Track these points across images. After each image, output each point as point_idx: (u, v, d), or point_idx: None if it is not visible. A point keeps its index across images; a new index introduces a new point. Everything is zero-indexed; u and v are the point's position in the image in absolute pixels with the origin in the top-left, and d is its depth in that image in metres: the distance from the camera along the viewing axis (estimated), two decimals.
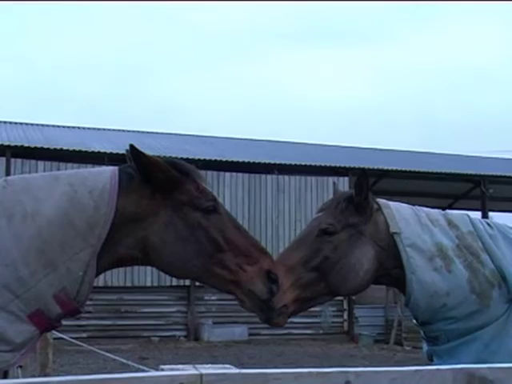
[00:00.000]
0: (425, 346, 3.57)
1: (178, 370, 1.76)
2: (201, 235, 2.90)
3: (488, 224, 3.56)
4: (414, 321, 3.54)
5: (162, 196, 2.90)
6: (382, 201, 3.55)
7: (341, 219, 3.44)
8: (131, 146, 2.89)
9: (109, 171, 2.92)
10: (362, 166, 23.08)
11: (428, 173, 24.93)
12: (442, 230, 3.43)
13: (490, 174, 25.69)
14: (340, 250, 3.39)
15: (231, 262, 2.92)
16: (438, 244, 3.36)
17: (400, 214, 3.44)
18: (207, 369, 1.74)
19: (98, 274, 2.79)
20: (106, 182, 2.83)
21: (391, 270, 3.44)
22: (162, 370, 1.79)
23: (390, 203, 3.55)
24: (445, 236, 3.41)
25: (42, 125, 26.15)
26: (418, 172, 24.67)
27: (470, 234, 3.44)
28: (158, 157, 3.01)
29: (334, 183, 4.33)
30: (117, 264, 2.95)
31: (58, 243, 2.68)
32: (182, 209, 2.91)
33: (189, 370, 1.73)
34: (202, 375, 1.68)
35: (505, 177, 25.82)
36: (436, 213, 3.57)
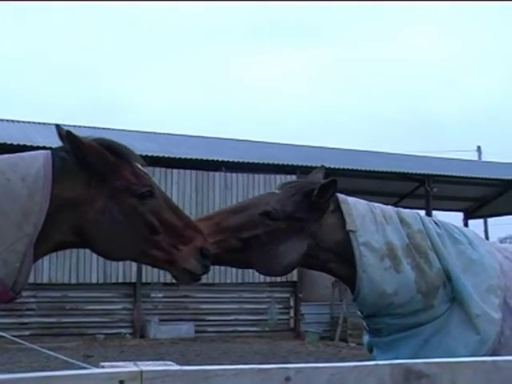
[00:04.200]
0: (366, 338, 3.64)
1: (118, 367, 1.75)
2: (136, 220, 2.90)
3: (435, 223, 3.63)
4: (359, 312, 3.59)
5: (97, 181, 2.86)
6: (341, 196, 3.54)
7: (288, 210, 3.43)
8: (67, 131, 2.83)
9: (41, 156, 2.82)
10: (309, 165, 23.28)
11: (374, 172, 25.24)
12: (395, 227, 3.48)
13: (434, 173, 26.17)
14: (273, 236, 3.40)
15: (166, 243, 2.95)
16: (389, 243, 3.41)
17: (357, 211, 3.46)
18: (148, 366, 1.74)
19: (34, 261, 2.74)
20: (39, 168, 2.75)
21: (329, 263, 3.50)
22: (103, 367, 1.78)
23: (349, 199, 3.56)
24: (396, 234, 3.45)
25: None
26: (365, 171, 24.96)
27: (420, 232, 3.50)
28: (94, 140, 2.94)
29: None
30: (53, 250, 2.92)
31: None
32: (117, 195, 2.89)
33: (129, 367, 1.72)
34: (142, 372, 1.68)
35: (448, 176, 26.33)
36: (390, 210, 3.62)
